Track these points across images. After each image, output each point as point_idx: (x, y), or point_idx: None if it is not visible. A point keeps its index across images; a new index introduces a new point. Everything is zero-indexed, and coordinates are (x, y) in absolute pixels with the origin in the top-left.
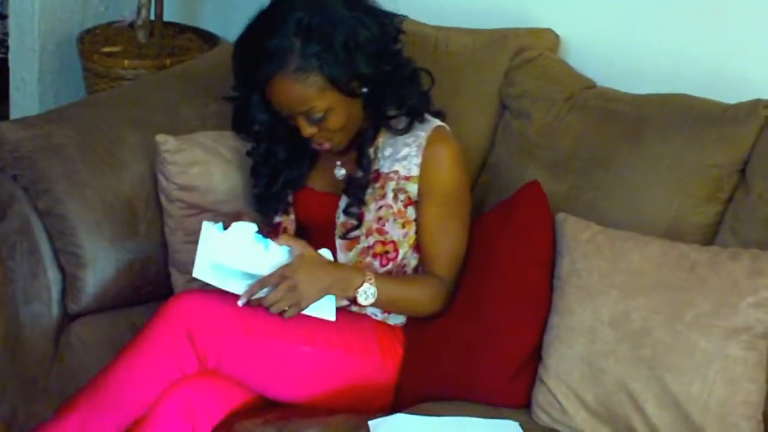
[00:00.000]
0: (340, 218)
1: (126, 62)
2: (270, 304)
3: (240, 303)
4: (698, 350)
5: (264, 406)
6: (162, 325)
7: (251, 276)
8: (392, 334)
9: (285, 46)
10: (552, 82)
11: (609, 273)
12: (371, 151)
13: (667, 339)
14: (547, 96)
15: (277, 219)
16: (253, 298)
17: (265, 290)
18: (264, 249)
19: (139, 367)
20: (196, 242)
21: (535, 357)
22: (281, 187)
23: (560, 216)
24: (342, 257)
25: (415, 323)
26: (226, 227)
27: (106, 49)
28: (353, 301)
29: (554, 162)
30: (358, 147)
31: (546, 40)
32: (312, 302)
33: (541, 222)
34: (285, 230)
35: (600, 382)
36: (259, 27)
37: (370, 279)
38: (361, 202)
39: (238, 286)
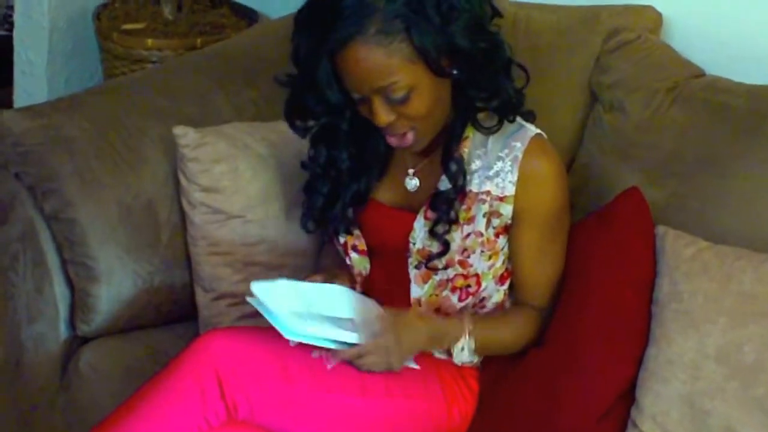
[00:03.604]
0: (417, 243)
1: (149, 41)
2: (360, 365)
3: (329, 366)
4: None
5: None
6: (187, 368)
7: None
8: (458, 375)
9: (365, 3)
10: (652, 69)
11: (716, 297)
12: (459, 155)
13: None
14: (646, 86)
15: (341, 239)
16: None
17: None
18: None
19: (157, 417)
20: (221, 254)
21: (628, 396)
22: (342, 206)
23: (660, 229)
24: (416, 290)
25: (492, 356)
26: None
27: (127, 26)
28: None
29: (653, 164)
30: (444, 149)
31: (646, 19)
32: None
33: (641, 236)
34: (355, 248)
35: (704, 425)
36: None
37: (471, 330)
38: (451, 222)
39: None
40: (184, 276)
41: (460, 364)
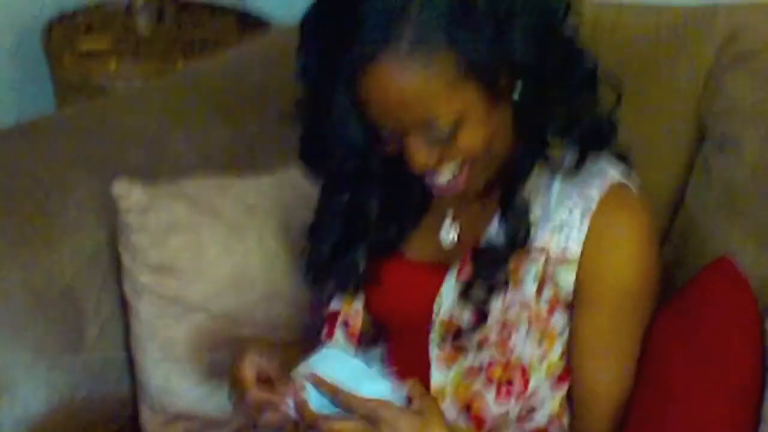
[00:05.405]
0: (442, 312)
1: (113, 65)
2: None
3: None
4: None
5: None
6: None
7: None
8: None
9: (394, 8)
10: None
11: None
12: (523, 201)
13: None
14: None
15: (333, 306)
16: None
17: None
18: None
19: None
20: (177, 360)
21: None
22: (356, 257)
23: None
24: (438, 376)
25: None
26: None
27: (85, 45)
28: None
29: None
30: (504, 192)
31: None
32: None
33: (740, 328)
34: (345, 325)
35: None
36: None
37: None
38: (493, 287)
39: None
40: (122, 389)
41: None
